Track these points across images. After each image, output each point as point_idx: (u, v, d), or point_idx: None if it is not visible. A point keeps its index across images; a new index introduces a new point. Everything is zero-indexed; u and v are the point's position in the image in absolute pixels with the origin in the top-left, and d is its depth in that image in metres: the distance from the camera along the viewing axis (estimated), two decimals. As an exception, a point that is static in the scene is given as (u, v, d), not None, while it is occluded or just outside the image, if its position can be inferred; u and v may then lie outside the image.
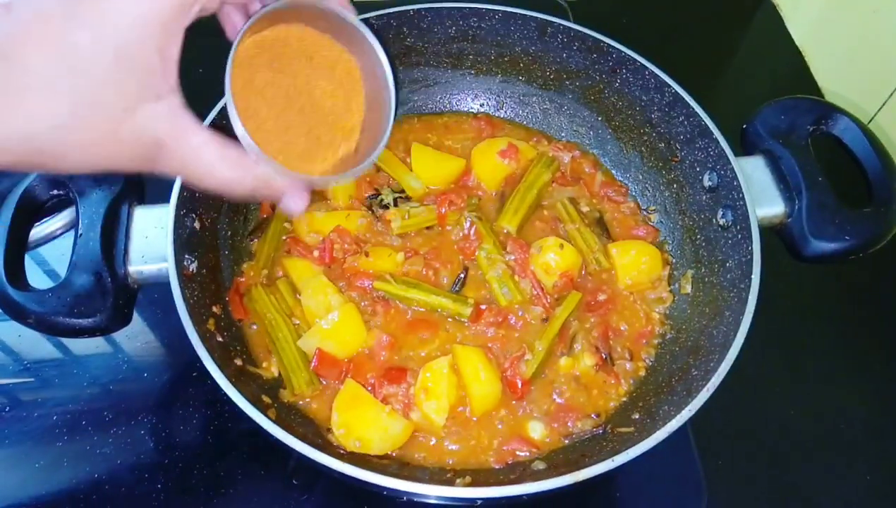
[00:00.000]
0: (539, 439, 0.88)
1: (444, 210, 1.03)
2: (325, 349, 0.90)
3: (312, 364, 0.89)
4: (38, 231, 1.08)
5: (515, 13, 1.07)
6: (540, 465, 0.84)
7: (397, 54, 1.12)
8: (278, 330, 0.92)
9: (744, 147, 0.99)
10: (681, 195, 1.03)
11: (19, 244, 0.82)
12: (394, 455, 0.85)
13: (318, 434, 0.85)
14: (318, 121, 0.65)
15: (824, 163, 0.92)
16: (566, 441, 0.88)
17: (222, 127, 0.58)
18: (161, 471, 0.89)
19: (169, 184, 0.85)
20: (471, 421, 0.89)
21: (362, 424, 0.84)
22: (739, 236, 0.89)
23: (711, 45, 1.50)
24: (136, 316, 0.84)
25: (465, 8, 1.07)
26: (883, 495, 0.94)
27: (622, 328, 0.97)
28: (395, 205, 1.04)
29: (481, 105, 1.21)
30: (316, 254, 0.99)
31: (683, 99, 0.98)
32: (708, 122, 0.95)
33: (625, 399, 0.92)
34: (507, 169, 1.09)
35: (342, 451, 0.83)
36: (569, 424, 0.89)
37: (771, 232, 0.93)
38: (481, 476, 0.83)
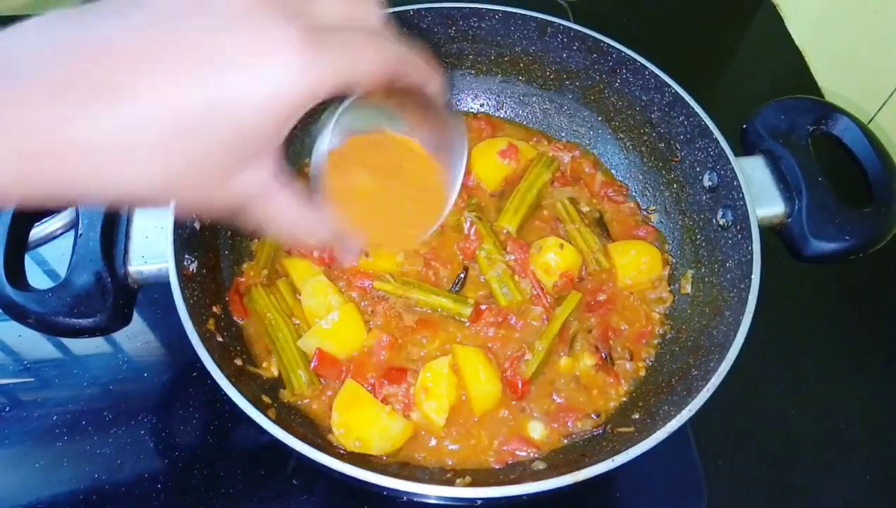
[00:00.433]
0: (539, 439, 0.88)
1: (444, 210, 1.03)
2: (325, 349, 0.90)
3: (312, 364, 0.89)
4: (38, 231, 1.08)
5: (515, 13, 1.07)
6: (540, 465, 0.84)
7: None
8: (278, 330, 0.92)
9: (744, 147, 0.99)
10: (681, 195, 1.03)
11: (19, 244, 0.82)
12: (394, 455, 0.85)
13: (318, 434, 0.85)
14: (400, 219, 0.67)
15: (824, 163, 0.92)
16: (566, 441, 0.88)
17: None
18: (161, 471, 0.89)
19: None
20: (471, 421, 0.89)
21: (362, 424, 0.84)
22: (739, 236, 0.89)
23: (711, 45, 1.50)
24: (136, 316, 0.84)
25: (465, 8, 1.07)
26: (883, 495, 0.94)
27: (622, 328, 0.97)
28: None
29: (481, 105, 1.21)
30: (316, 254, 0.99)
31: (683, 99, 0.98)
32: (708, 122, 0.95)
33: (625, 399, 0.92)
34: (507, 169, 1.09)
35: (342, 451, 0.83)
36: (569, 424, 0.89)
37: (771, 232, 0.93)
38: (481, 476, 0.83)
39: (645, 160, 1.09)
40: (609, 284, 1.00)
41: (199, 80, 0.42)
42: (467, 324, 0.94)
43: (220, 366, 0.74)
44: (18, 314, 0.77)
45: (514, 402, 0.90)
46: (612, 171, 1.14)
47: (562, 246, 0.99)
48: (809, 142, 0.95)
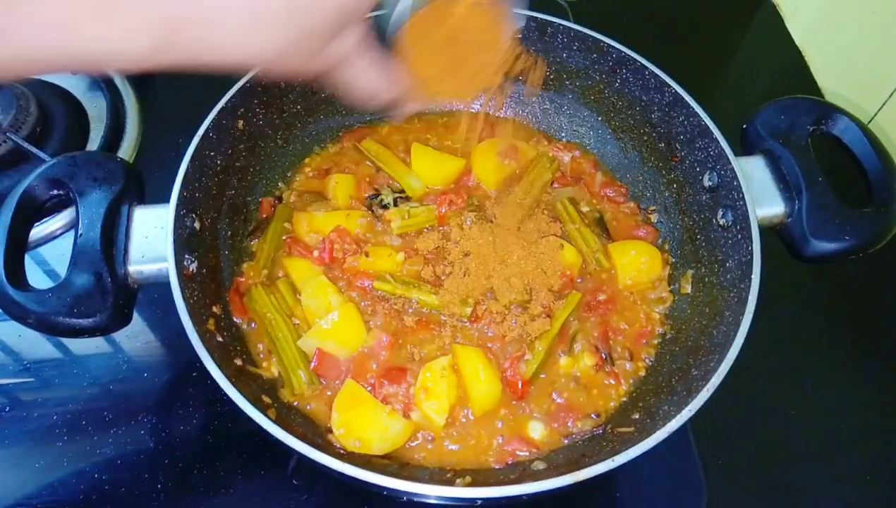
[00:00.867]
0: (539, 439, 0.88)
1: (444, 210, 1.03)
2: (325, 349, 0.90)
3: (312, 364, 0.89)
4: (38, 231, 1.08)
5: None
6: (540, 465, 0.84)
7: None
8: (278, 330, 0.92)
9: (744, 147, 0.99)
10: (681, 195, 1.03)
11: (19, 244, 0.82)
12: (394, 455, 0.85)
13: (318, 434, 0.85)
14: (465, 74, 0.77)
15: (824, 163, 0.92)
16: (566, 441, 0.88)
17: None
18: (161, 471, 0.89)
19: (169, 184, 0.85)
20: (471, 421, 0.89)
21: (362, 424, 0.84)
22: (739, 236, 0.89)
23: (711, 45, 1.50)
24: (136, 316, 0.84)
25: (465, 8, 1.07)
26: (883, 495, 0.94)
27: (622, 328, 0.97)
28: (395, 205, 1.04)
29: (481, 105, 1.20)
30: (316, 254, 0.99)
31: (683, 99, 0.98)
32: (708, 122, 0.95)
33: (625, 399, 0.92)
34: (507, 169, 1.09)
35: (342, 451, 0.83)
36: (569, 424, 0.89)
37: (771, 232, 0.93)
38: (481, 476, 0.83)
39: (645, 160, 1.09)
40: (609, 284, 1.01)
41: None
42: (467, 324, 0.94)
43: (220, 366, 0.74)
44: (18, 314, 0.77)
45: (514, 402, 0.90)
46: (612, 171, 1.14)
47: (562, 246, 0.99)
48: (809, 142, 0.95)
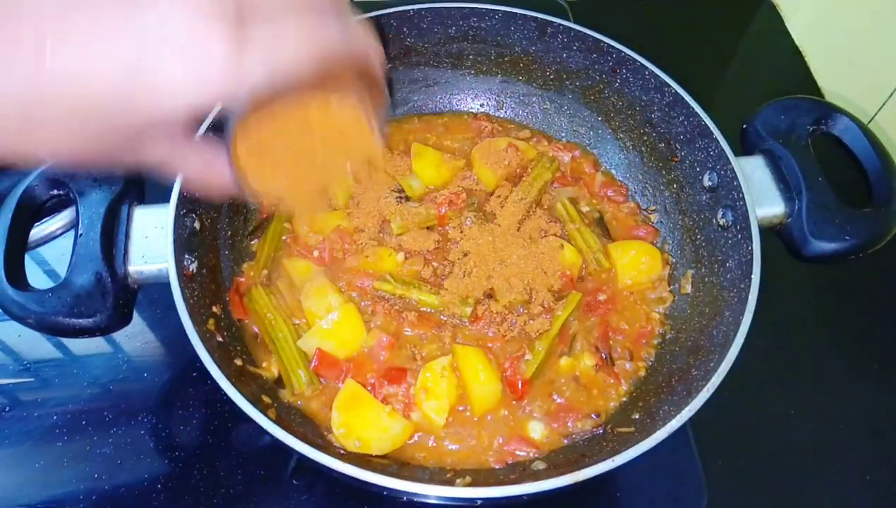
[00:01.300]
0: (539, 439, 0.88)
1: (444, 210, 1.03)
2: (325, 349, 0.90)
3: (312, 364, 0.89)
4: (38, 231, 1.08)
5: (515, 13, 1.07)
6: (540, 465, 0.84)
7: (397, 54, 1.12)
8: (278, 330, 0.92)
9: (744, 147, 0.99)
10: (681, 195, 1.03)
11: (19, 244, 0.82)
12: (394, 455, 0.85)
13: (318, 435, 0.85)
14: (310, 171, 0.67)
15: (824, 163, 0.92)
16: (566, 441, 0.88)
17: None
18: (161, 471, 0.89)
19: (169, 184, 0.85)
20: (471, 421, 0.89)
21: (362, 424, 0.84)
22: (739, 236, 0.89)
23: (711, 45, 1.50)
24: (136, 316, 0.84)
25: (465, 8, 1.07)
26: (883, 495, 0.94)
27: (622, 328, 0.97)
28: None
29: (481, 105, 1.21)
30: (316, 254, 0.99)
31: (683, 99, 0.98)
32: (708, 122, 0.95)
33: (625, 399, 0.92)
34: (507, 169, 1.09)
35: (342, 451, 0.83)
36: (569, 424, 0.89)
37: (771, 232, 0.93)
38: (481, 476, 0.83)
39: (645, 160, 1.09)
40: (609, 284, 1.01)
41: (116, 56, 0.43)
42: (467, 324, 0.94)
43: (220, 366, 0.74)
44: (18, 314, 0.77)
45: (514, 402, 0.90)
46: (612, 171, 1.14)
47: (562, 246, 0.99)
48: (809, 142, 0.95)
